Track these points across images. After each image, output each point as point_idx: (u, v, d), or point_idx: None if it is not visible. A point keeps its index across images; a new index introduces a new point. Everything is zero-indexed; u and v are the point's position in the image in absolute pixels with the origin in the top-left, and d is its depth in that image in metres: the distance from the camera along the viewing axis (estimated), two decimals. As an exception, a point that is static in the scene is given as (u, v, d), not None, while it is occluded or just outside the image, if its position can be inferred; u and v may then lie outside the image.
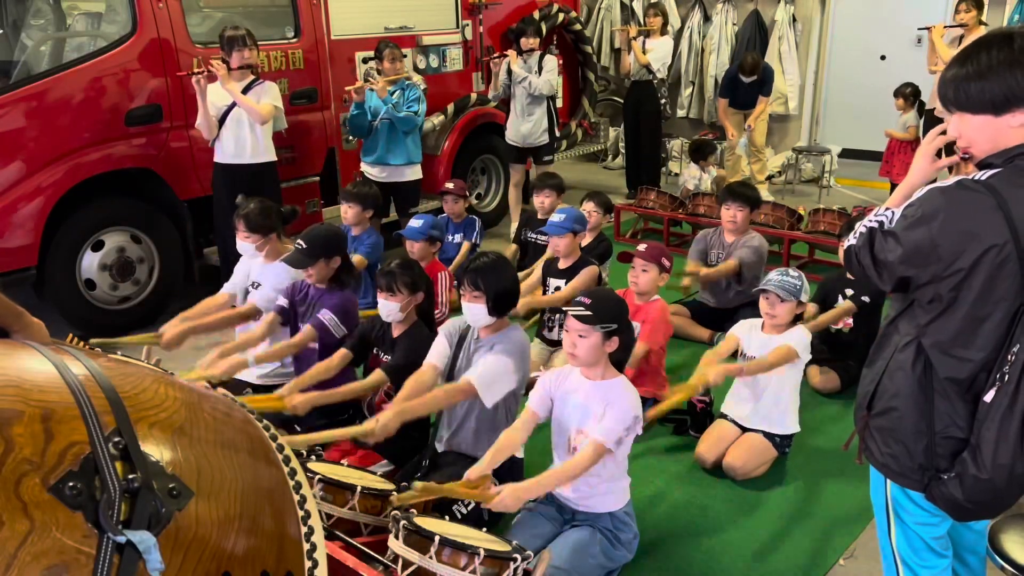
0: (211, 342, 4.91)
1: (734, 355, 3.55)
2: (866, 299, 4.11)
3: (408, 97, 5.44)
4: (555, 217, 4.27)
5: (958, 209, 1.76)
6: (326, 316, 3.46)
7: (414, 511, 2.47)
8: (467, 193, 5.46)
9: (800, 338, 3.38)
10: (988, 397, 1.78)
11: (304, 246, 3.50)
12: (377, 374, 3.19)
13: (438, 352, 3.11)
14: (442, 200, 5.46)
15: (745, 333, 3.54)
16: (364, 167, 5.68)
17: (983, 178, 1.77)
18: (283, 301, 3.62)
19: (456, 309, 3.56)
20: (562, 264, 4.28)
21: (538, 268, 4.55)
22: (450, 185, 5.43)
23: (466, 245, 5.28)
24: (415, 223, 4.35)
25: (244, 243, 3.78)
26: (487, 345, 3.04)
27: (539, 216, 5.18)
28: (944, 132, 1.94)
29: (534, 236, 5.19)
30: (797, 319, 3.46)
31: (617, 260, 4.90)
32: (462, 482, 2.47)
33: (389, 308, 3.28)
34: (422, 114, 5.55)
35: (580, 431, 2.69)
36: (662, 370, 3.94)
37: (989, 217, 1.73)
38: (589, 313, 2.58)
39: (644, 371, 3.78)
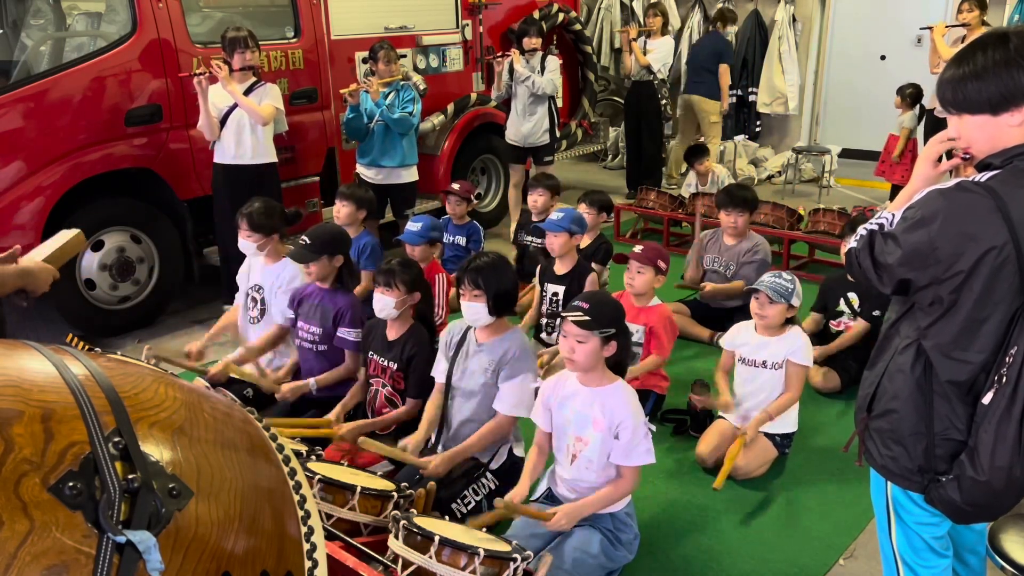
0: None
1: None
2: (876, 313, 4.06)
3: (403, 98, 5.41)
4: (554, 215, 4.26)
5: (957, 211, 1.76)
6: (351, 335, 3.54)
7: (414, 511, 2.47)
8: (472, 197, 5.44)
9: (803, 348, 3.40)
10: (986, 399, 1.77)
11: (308, 242, 3.51)
12: (409, 405, 3.34)
13: (439, 372, 3.19)
14: (446, 200, 5.44)
15: (738, 339, 3.55)
16: (360, 169, 5.64)
17: (982, 180, 1.77)
18: (291, 314, 3.71)
19: (455, 311, 3.56)
20: (559, 269, 4.24)
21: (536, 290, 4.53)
22: (456, 186, 5.41)
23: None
24: (413, 226, 4.32)
25: (245, 241, 3.78)
26: (487, 353, 3.05)
27: (533, 216, 5.17)
28: (950, 138, 1.93)
29: (530, 239, 5.18)
30: (789, 322, 3.47)
31: (613, 261, 4.89)
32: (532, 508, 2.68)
33: (384, 303, 3.29)
34: (417, 115, 5.50)
35: (579, 438, 2.69)
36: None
37: (988, 219, 1.72)
38: (587, 318, 2.57)
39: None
